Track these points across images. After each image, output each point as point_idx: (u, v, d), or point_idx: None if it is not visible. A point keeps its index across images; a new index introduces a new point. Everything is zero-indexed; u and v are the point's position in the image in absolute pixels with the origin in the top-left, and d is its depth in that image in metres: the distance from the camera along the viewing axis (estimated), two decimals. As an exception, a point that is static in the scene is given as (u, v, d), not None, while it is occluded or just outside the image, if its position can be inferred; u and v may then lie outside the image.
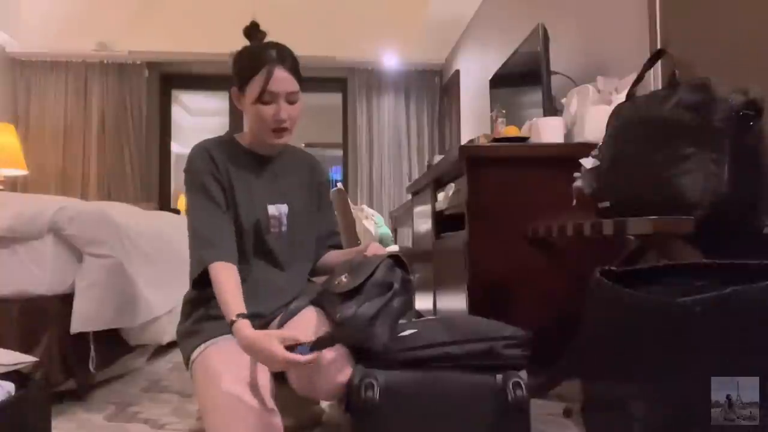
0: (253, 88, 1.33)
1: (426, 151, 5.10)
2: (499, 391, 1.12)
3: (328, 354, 1.16)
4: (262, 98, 1.32)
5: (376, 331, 1.14)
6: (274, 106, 1.34)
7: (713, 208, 1.14)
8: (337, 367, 1.18)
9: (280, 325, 1.31)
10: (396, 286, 1.20)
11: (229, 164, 1.41)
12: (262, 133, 1.38)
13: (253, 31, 1.42)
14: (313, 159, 1.59)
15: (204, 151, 1.40)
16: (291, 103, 1.36)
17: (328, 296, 1.31)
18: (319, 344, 1.10)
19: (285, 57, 1.35)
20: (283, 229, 1.44)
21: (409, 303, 1.26)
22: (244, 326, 1.16)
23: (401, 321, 1.32)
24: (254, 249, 1.41)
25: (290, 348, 1.10)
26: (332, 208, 1.63)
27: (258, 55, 1.34)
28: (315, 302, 1.38)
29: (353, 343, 1.15)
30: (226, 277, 1.28)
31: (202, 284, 1.35)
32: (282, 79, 1.33)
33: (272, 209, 1.43)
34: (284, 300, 1.41)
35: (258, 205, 1.41)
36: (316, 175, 1.56)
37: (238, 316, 1.18)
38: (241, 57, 1.39)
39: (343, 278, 1.29)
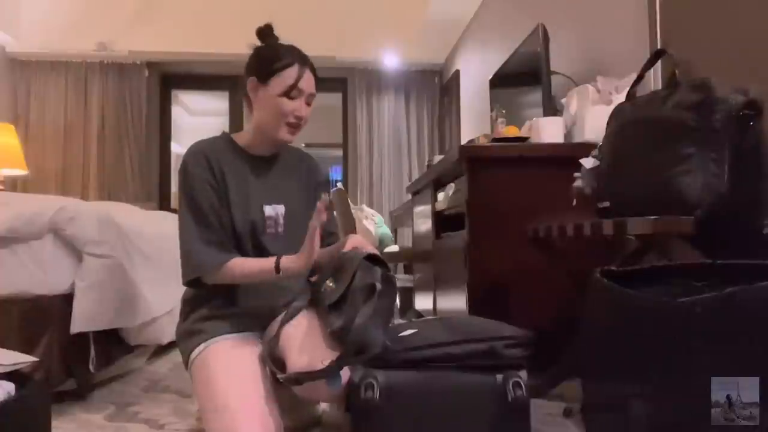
0: (282, 81, 1.36)
1: (426, 151, 5.10)
2: (499, 391, 1.12)
3: (326, 360, 1.15)
4: (289, 93, 1.36)
5: (370, 338, 1.13)
6: (297, 102, 1.38)
7: (713, 208, 1.14)
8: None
9: (280, 326, 1.30)
10: (378, 286, 1.18)
11: (224, 165, 1.40)
12: (276, 127, 1.39)
13: (266, 32, 1.44)
14: (311, 159, 1.59)
15: (199, 154, 1.39)
16: (308, 104, 1.42)
17: (318, 302, 1.31)
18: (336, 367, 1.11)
19: (310, 61, 1.43)
20: (280, 229, 1.44)
21: (395, 298, 1.24)
22: (287, 261, 1.29)
23: (400, 321, 1.32)
24: (251, 250, 1.41)
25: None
26: (330, 209, 1.63)
27: (291, 51, 1.40)
28: (311, 304, 1.38)
29: (353, 352, 1.14)
30: (241, 263, 1.34)
31: (198, 285, 1.37)
32: (309, 80, 1.40)
33: (268, 210, 1.42)
34: (283, 301, 1.41)
35: (253, 206, 1.41)
36: (314, 175, 1.56)
37: (277, 261, 1.29)
38: (269, 50, 1.41)
39: (329, 283, 1.28)
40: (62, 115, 4.73)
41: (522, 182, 1.86)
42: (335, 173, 6.09)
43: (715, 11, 1.66)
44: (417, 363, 1.16)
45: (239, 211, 1.39)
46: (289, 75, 1.36)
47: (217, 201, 1.37)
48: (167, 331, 2.12)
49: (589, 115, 1.87)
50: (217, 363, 1.26)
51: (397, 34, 4.80)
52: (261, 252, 1.41)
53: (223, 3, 4.61)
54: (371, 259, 1.26)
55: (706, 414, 0.88)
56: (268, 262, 1.31)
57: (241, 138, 1.47)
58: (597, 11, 2.30)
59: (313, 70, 1.42)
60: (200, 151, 1.40)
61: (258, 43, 1.44)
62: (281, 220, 1.44)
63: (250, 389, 1.20)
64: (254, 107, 1.43)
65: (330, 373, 1.10)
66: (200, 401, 1.27)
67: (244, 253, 1.40)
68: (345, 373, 1.14)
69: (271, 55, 1.39)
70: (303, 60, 1.40)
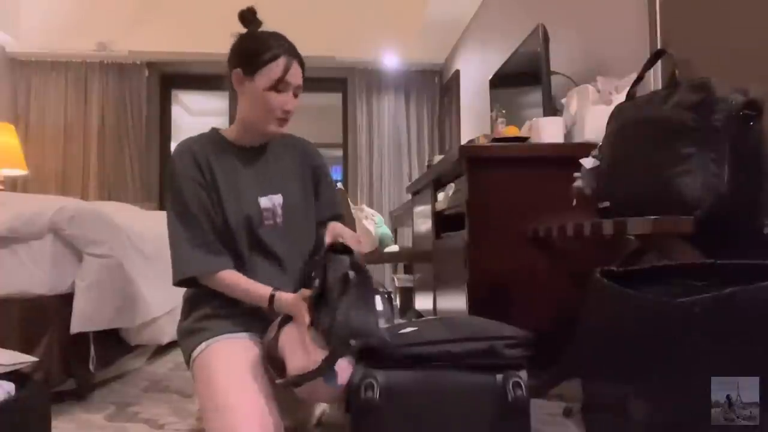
0: (269, 74, 1.32)
1: (426, 151, 5.10)
2: (499, 391, 1.12)
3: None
4: (276, 87, 1.33)
5: (357, 326, 1.11)
6: (285, 96, 1.35)
7: (713, 208, 1.14)
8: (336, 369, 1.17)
9: (279, 328, 1.30)
10: (351, 274, 1.16)
11: (213, 161, 1.37)
12: (266, 121, 1.36)
13: (249, 15, 1.39)
14: (304, 143, 1.54)
15: (185, 153, 1.37)
16: (295, 96, 1.38)
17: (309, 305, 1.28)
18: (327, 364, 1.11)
19: (297, 51, 1.38)
20: (278, 220, 1.41)
21: (370, 280, 1.19)
22: (282, 300, 1.27)
23: (400, 321, 1.31)
24: (249, 245, 1.38)
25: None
26: (333, 190, 1.57)
27: (276, 42, 1.35)
28: None
29: (341, 347, 1.13)
30: (231, 279, 1.32)
31: (187, 285, 1.38)
32: (297, 72, 1.36)
33: (264, 201, 1.39)
34: (290, 290, 1.40)
35: (248, 200, 1.38)
36: (308, 158, 1.51)
37: (273, 292, 1.28)
38: (254, 40, 1.36)
39: (315, 284, 1.25)
40: (62, 115, 4.73)
41: (522, 182, 1.86)
42: (335, 173, 6.09)
43: (715, 11, 1.66)
44: (417, 359, 1.15)
45: (232, 206, 1.36)
46: (277, 68, 1.32)
47: (206, 199, 1.35)
48: (167, 331, 2.12)
49: (589, 115, 1.87)
50: (218, 362, 1.26)
51: (397, 34, 4.80)
52: (259, 245, 1.39)
53: (223, 3, 4.60)
54: (338, 250, 1.22)
55: (706, 414, 0.88)
56: (262, 293, 1.29)
57: (229, 132, 1.44)
58: (597, 11, 2.30)
59: (301, 61, 1.37)
60: (187, 149, 1.37)
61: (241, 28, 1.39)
62: (279, 211, 1.41)
63: (250, 389, 1.20)
64: (240, 100, 1.39)
65: (323, 372, 1.09)
66: (201, 400, 1.27)
67: (240, 249, 1.37)
68: (345, 372, 1.14)
69: (256, 47, 1.34)
70: (290, 51, 1.35)
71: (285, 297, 1.27)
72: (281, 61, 1.32)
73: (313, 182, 1.51)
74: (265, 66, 1.32)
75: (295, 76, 1.35)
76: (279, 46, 1.34)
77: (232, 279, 1.33)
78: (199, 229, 1.34)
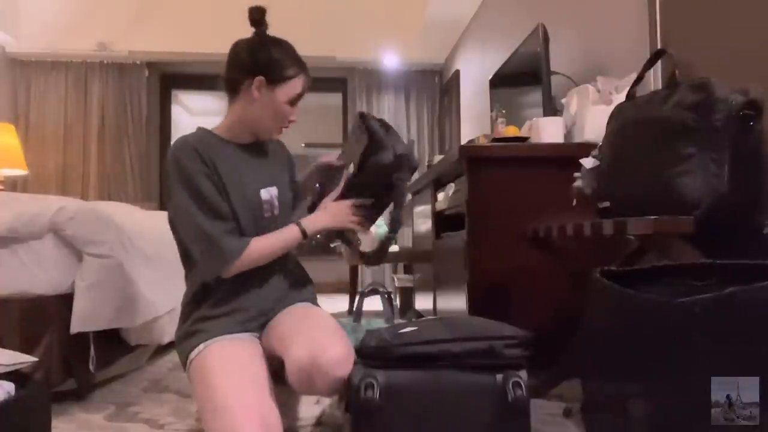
0: (291, 89, 1.39)
1: (426, 151, 5.10)
2: (499, 391, 1.12)
3: (326, 353, 1.16)
4: (293, 101, 1.41)
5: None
6: (295, 108, 1.43)
7: (713, 208, 1.14)
8: (335, 361, 1.16)
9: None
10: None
11: (214, 157, 1.37)
12: (273, 127, 1.43)
13: (259, 15, 1.40)
14: (281, 143, 1.60)
15: (188, 147, 1.36)
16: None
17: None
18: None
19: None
20: (276, 212, 1.44)
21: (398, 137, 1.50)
22: (309, 222, 1.41)
23: (400, 321, 1.31)
24: (252, 236, 1.38)
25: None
26: (299, 188, 1.63)
27: (297, 58, 1.42)
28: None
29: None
30: (257, 241, 1.37)
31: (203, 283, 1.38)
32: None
33: (264, 193, 1.42)
34: (286, 288, 1.44)
35: (251, 192, 1.39)
36: (288, 157, 1.60)
37: (298, 224, 1.40)
38: (278, 52, 1.39)
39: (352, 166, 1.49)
40: (62, 115, 4.73)
41: (522, 182, 1.86)
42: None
43: (715, 11, 1.66)
44: (417, 359, 1.15)
45: (238, 199, 1.37)
46: (297, 85, 1.39)
47: (218, 189, 1.36)
48: (167, 331, 2.12)
49: (589, 115, 1.87)
50: (215, 363, 1.26)
51: (397, 34, 4.80)
52: None
53: (223, 3, 4.61)
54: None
55: (706, 414, 0.88)
56: (291, 231, 1.39)
57: (221, 130, 1.44)
58: (597, 11, 2.30)
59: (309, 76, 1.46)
60: (188, 145, 1.36)
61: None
62: (276, 202, 1.44)
63: (250, 389, 1.20)
64: (248, 103, 1.39)
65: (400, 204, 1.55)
66: (199, 402, 1.26)
67: None
68: (344, 368, 1.15)
69: (281, 60, 1.38)
70: (305, 68, 1.42)
71: (312, 216, 1.44)
72: (302, 79, 1.40)
73: (291, 180, 1.57)
74: (289, 81, 1.38)
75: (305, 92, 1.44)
76: (299, 62, 1.41)
77: (263, 243, 1.37)
78: (223, 218, 1.34)
